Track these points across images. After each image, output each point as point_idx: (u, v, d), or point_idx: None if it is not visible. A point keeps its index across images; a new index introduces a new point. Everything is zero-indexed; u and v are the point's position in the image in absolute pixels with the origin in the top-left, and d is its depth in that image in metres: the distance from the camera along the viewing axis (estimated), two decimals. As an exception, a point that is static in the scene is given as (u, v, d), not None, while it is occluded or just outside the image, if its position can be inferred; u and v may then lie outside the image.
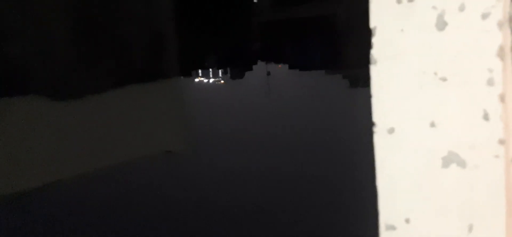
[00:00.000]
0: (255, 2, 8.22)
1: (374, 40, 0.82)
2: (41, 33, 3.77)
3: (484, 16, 0.73)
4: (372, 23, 0.82)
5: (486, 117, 0.74)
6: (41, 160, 4.13)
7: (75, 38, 4.06)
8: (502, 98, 0.73)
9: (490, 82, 0.73)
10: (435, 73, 0.77)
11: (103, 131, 4.45)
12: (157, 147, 4.97)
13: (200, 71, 9.69)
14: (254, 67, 8.83)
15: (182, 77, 6.70)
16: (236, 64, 8.72)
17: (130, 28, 4.60)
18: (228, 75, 9.33)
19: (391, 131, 0.81)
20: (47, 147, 4.13)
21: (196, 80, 9.73)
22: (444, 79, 0.76)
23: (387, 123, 0.81)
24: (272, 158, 5.66)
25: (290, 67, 8.84)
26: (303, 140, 6.11)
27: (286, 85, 9.04)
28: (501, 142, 0.74)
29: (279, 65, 9.23)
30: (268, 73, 9.05)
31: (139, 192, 4.84)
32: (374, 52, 0.82)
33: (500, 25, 0.72)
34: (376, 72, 0.82)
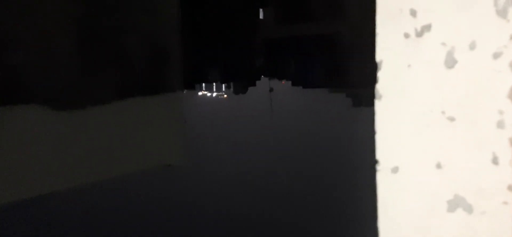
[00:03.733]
0: (260, 19, 8.22)
1: (380, 74, 0.79)
2: (43, 43, 3.76)
3: (496, 55, 0.70)
4: (378, 57, 0.79)
5: (495, 161, 0.71)
6: (40, 170, 4.09)
7: (78, 49, 4.05)
8: (512, 142, 0.70)
9: (500, 125, 0.70)
10: (443, 112, 0.74)
11: (103, 142, 4.42)
12: (157, 160, 4.93)
13: (203, 84, 9.68)
14: (257, 82, 8.81)
15: (185, 90, 6.68)
16: (240, 79, 8.70)
17: (134, 40, 4.60)
18: (231, 89, 9.31)
19: (395, 170, 0.78)
20: (47, 157, 4.10)
21: (199, 93, 9.72)
22: (452, 119, 0.73)
23: (391, 161, 0.78)
24: (273, 175, 5.61)
25: (293, 84, 8.82)
26: (304, 159, 6.06)
27: (289, 102, 9.01)
28: (511, 188, 0.70)
29: (283, 82, 9.21)
30: (271, 90, 9.03)
31: (138, 205, 4.80)
32: (380, 87, 0.79)
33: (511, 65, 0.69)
34: (381, 108, 0.79)
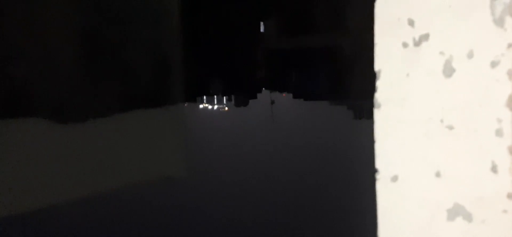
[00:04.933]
0: (261, 31, 8.26)
1: (379, 83, 0.79)
2: (46, 55, 3.78)
3: (494, 64, 0.70)
4: (377, 66, 0.79)
5: (494, 169, 0.71)
6: (41, 182, 4.09)
7: (80, 61, 4.06)
8: (511, 151, 0.70)
9: (499, 133, 0.70)
10: (442, 121, 0.74)
11: (104, 154, 4.42)
12: (158, 172, 4.93)
13: (204, 97, 9.69)
14: (258, 95, 8.82)
15: (186, 103, 6.69)
16: (241, 92, 8.71)
17: (136, 53, 4.62)
18: (232, 102, 9.31)
19: (394, 179, 0.78)
20: (48, 169, 4.10)
21: (201, 106, 9.73)
22: (450, 128, 0.73)
23: (390, 170, 0.78)
24: (274, 187, 5.60)
25: (295, 96, 8.82)
26: (306, 171, 6.05)
27: (290, 114, 9.01)
28: (510, 196, 0.70)
29: (284, 94, 9.22)
30: (272, 102, 9.03)
31: (139, 217, 4.79)
32: (378, 96, 0.79)
33: (510, 74, 0.69)
34: (380, 117, 0.79)
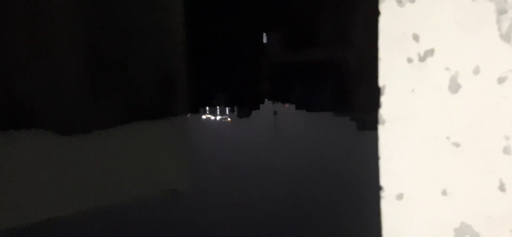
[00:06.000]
0: (264, 43, 8.26)
1: (383, 99, 0.78)
2: (48, 68, 3.78)
3: (501, 80, 0.69)
4: (381, 82, 0.78)
5: (502, 188, 0.69)
6: (43, 195, 4.08)
7: (82, 74, 4.06)
8: (520, 169, 0.68)
9: (507, 151, 0.69)
10: (448, 138, 0.72)
11: (106, 167, 4.40)
12: (161, 185, 4.91)
13: (207, 108, 9.69)
14: (261, 106, 8.80)
15: (189, 114, 6.68)
16: (243, 103, 8.71)
17: (138, 65, 4.61)
18: (235, 113, 9.31)
19: (400, 197, 0.76)
20: (50, 182, 4.09)
21: (203, 117, 9.72)
22: (457, 145, 0.72)
23: (395, 188, 0.76)
24: (277, 199, 5.57)
25: (297, 108, 8.81)
26: (308, 183, 6.03)
27: (293, 125, 9.00)
28: (519, 215, 0.68)
29: (286, 105, 9.21)
30: (275, 113, 9.02)
31: (142, 231, 4.77)
32: (383, 112, 0.78)
33: (517, 90, 0.68)
34: (385, 133, 0.78)
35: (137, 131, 4.66)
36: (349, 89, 7.46)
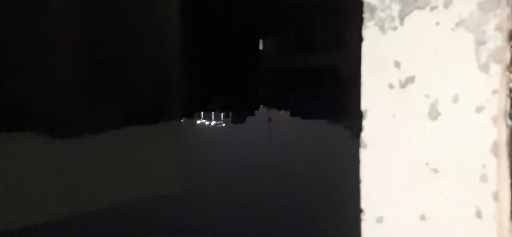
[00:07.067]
0: (260, 49, 8.28)
1: (365, 123, 0.79)
2: (43, 70, 3.78)
3: (478, 109, 0.70)
4: (363, 106, 0.79)
5: (479, 215, 0.71)
6: (36, 198, 4.07)
7: (77, 77, 4.07)
8: (495, 197, 0.69)
9: (484, 179, 0.70)
10: (427, 164, 0.74)
11: (99, 171, 4.40)
12: (153, 190, 4.91)
13: (202, 113, 9.69)
14: (256, 112, 8.81)
15: (183, 118, 6.68)
16: (238, 108, 8.71)
17: (133, 70, 4.62)
18: (230, 118, 9.31)
19: (379, 220, 0.77)
20: (43, 185, 4.08)
21: (198, 122, 9.72)
22: (435, 171, 0.73)
23: (375, 211, 0.78)
24: (270, 205, 5.58)
25: (292, 114, 8.82)
26: (300, 190, 6.04)
27: (287, 132, 9.01)
28: (494, 243, 0.70)
29: (281, 112, 9.22)
30: (269, 119, 9.03)
31: (135, 234, 4.76)
32: (365, 136, 0.79)
33: (494, 120, 0.69)
34: (366, 156, 0.79)
35: (130, 135, 4.66)
36: (343, 97, 7.49)
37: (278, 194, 6.06)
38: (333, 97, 7.87)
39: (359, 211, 0.79)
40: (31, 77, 3.77)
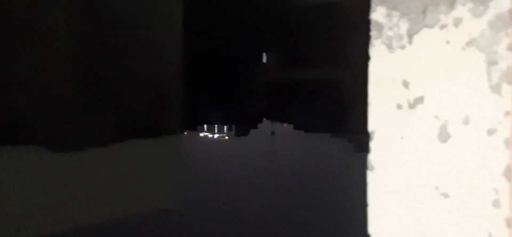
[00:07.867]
0: (263, 62, 8.28)
1: (372, 144, 0.77)
2: (43, 84, 3.77)
3: (490, 132, 0.67)
4: (371, 127, 0.77)
5: (491, 241, 0.68)
6: (35, 212, 4.04)
7: (77, 91, 4.05)
8: (508, 223, 0.67)
9: (496, 204, 0.67)
10: (437, 188, 0.71)
11: (100, 185, 4.38)
12: (153, 204, 4.87)
13: (205, 126, 9.66)
14: (259, 125, 8.79)
15: (186, 131, 6.66)
16: (241, 122, 8.70)
17: (135, 83, 4.61)
18: (233, 131, 9.29)
19: (387, 245, 0.74)
20: (43, 199, 4.05)
21: (201, 134, 9.69)
22: (446, 195, 0.70)
23: (383, 236, 0.75)
24: (271, 220, 5.53)
25: (295, 128, 8.80)
26: (304, 204, 5.99)
27: (290, 145, 8.97)
28: (508, 271, 0.67)
29: (284, 125, 9.19)
30: (273, 133, 9.01)
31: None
32: (372, 158, 0.77)
33: (507, 143, 0.67)
34: (374, 179, 0.77)
35: (130, 149, 4.64)
36: (346, 111, 7.46)
37: (281, 209, 6.01)
38: (336, 111, 7.86)
39: (366, 235, 0.76)
40: (28, 92, 3.76)
